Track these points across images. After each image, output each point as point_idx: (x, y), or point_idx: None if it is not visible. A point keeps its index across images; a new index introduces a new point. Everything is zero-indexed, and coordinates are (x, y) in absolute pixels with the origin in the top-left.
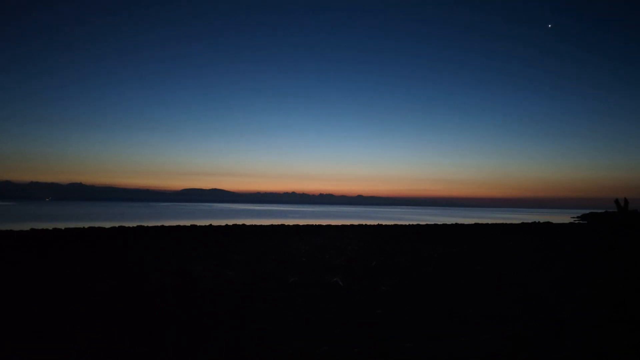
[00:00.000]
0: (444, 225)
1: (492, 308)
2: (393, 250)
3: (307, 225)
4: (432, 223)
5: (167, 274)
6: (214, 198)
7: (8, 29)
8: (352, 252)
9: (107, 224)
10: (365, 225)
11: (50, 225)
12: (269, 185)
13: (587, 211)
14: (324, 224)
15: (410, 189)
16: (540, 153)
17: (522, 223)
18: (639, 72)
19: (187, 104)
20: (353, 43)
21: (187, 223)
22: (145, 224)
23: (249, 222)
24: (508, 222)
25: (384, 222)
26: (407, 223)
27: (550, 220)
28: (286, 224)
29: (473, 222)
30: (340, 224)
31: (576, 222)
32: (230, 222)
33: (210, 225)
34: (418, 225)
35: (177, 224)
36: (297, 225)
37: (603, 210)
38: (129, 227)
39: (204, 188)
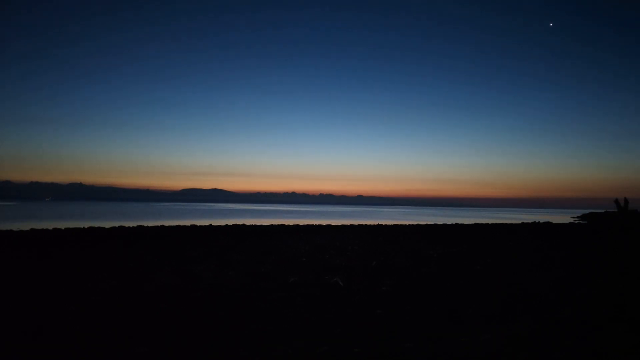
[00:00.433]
0: (444, 225)
1: (492, 308)
2: (393, 250)
3: (307, 225)
4: (432, 223)
5: (167, 274)
6: (214, 198)
7: (8, 29)
8: (352, 252)
9: (107, 224)
10: (365, 225)
11: (50, 225)
12: (269, 185)
13: (587, 211)
14: (324, 224)
15: (410, 189)
16: (540, 153)
17: (522, 223)
18: (639, 72)
19: (187, 103)
20: (353, 43)
21: (187, 223)
22: (145, 224)
23: (249, 222)
24: (508, 222)
25: (384, 222)
26: (407, 223)
27: (550, 220)
28: (286, 224)
29: (473, 222)
30: (340, 224)
31: (576, 222)
32: (230, 222)
33: (210, 225)
34: (418, 225)
35: (177, 224)
36: (297, 225)
37: (603, 210)
38: (129, 227)
39: (204, 188)
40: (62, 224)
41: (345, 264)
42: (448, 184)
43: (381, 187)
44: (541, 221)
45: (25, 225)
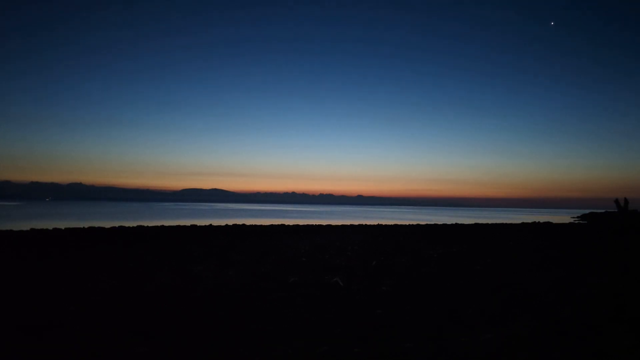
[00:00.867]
0: (444, 225)
1: (492, 308)
2: (393, 250)
3: (307, 225)
4: (432, 223)
5: (167, 274)
6: (214, 198)
7: (8, 29)
8: (352, 252)
9: (107, 224)
10: (365, 225)
11: (50, 225)
12: (269, 185)
13: (587, 211)
14: (324, 224)
15: (410, 189)
16: (540, 153)
17: (522, 223)
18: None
19: (187, 104)
20: (353, 42)
21: (187, 223)
22: (145, 224)
23: (249, 222)
24: (508, 222)
25: (384, 222)
26: (407, 223)
27: (550, 220)
28: (286, 224)
29: (473, 222)
30: (340, 224)
31: (576, 222)
32: (230, 222)
33: (210, 225)
34: (418, 225)
35: (177, 224)
36: (297, 225)
37: (603, 210)
38: (129, 227)
39: (204, 188)
40: (62, 224)
41: (345, 264)
42: (448, 184)
43: (381, 187)
44: (541, 221)
45: (25, 225)
